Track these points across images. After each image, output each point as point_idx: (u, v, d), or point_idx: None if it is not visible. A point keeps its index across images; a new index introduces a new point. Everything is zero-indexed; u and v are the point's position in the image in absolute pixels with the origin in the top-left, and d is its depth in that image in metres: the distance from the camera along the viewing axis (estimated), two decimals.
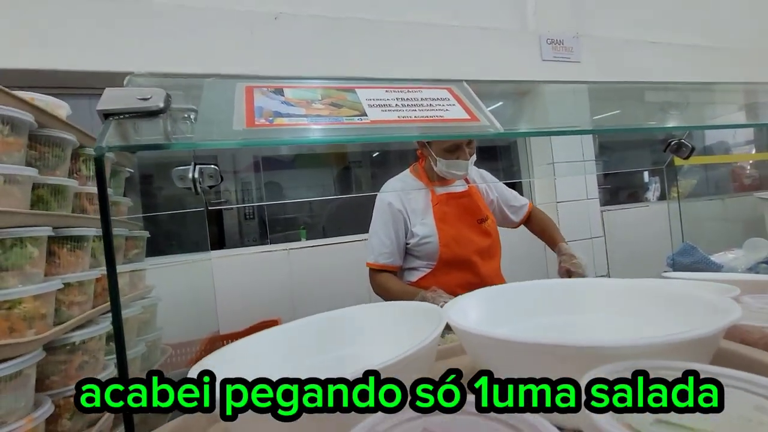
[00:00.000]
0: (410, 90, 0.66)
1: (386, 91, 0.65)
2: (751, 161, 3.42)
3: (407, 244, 1.37)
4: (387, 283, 1.33)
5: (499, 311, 0.54)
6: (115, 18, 1.70)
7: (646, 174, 3.35)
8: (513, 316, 0.53)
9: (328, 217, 3.72)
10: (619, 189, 3.09)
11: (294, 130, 0.51)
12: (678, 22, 2.79)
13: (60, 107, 0.75)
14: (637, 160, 3.19)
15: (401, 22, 2.13)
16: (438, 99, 0.65)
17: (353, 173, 4.36)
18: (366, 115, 0.56)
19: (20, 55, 1.61)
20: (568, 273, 1.31)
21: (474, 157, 1.32)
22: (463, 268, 1.35)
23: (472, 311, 0.52)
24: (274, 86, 0.60)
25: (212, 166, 1.02)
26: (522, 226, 1.62)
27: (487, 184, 1.54)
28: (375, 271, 1.36)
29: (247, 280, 1.94)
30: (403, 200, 1.36)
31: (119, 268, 0.68)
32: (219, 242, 3.89)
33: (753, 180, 3.27)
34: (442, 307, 0.87)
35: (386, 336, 0.54)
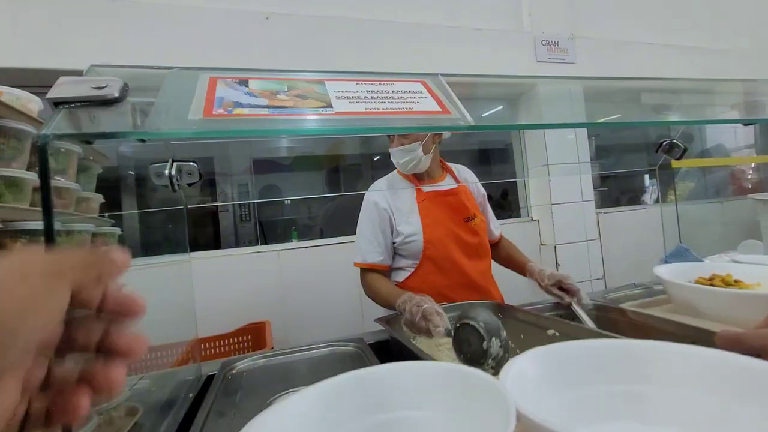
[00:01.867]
0: (382, 82, 0.65)
1: (357, 83, 0.63)
2: (753, 164, 3.39)
3: (394, 243, 1.36)
4: (375, 283, 1.31)
5: (552, 377, 0.47)
6: (104, 15, 1.70)
7: (646, 177, 3.32)
8: (575, 382, 0.46)
9: (322, 218, 3.71)
10: (616, 192, 3.07)
11: (252, 120, 0.49)
12: (674, 23, 2.77)
13: (31, 101, 0.74)
14: (634, 163, 3.17)
15: (396, 23, 2.13)
16: (410, 92, 0.63)
17: (352, 175, 4.35)
18: (331, 107, 0.55)
19: (12, 54, 1.61)
20: (559, 287, 1.25)
21: (417, 150, 1.29)
22: (448, 268, 1.34)
23: (530, 381, 0.44)
24: (239, 77, 0.58)
25: (191, 163, 1.00)
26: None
27: (477, 185, 1.52)
28: (364, 271, 1.35)
29: (237, 281, 1.92)
30: (388, 199, 1.36)
31: None
32: (215, 243, 3.88)
33: (752, 183, 3.25)
34: (420, 316, 0.84)
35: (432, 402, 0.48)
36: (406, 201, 1.35)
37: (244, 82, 0.58)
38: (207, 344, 1.71)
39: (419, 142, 1.27)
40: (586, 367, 0.47)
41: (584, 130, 2.47)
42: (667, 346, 0.47)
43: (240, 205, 4.03)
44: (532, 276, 1.33)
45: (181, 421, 0.77)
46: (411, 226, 1.31)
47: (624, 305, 1.17)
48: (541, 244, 2.48)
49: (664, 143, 1.45)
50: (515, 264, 1.47)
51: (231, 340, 1.76)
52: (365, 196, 1.41)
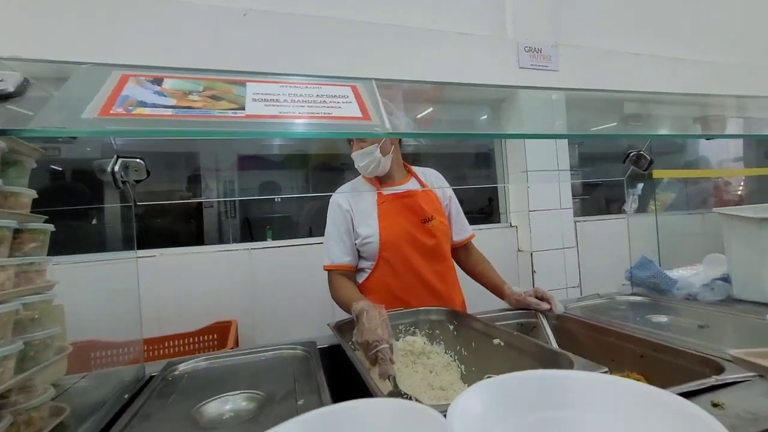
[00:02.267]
0: (309, 86, 0.64)
1: (282, 86, 0.62)
2: (736, 178, 3.41)
3: (355, 244, 1.36)
4: (338, 285, 1.32)
5: (499, 409, 0.51)
6: (77, 9, 1.67)
7: (625, 186, 3.32)
8: (513, 411, 0.51)
9: (305, 217, 3.69)
10: (599, 200, 3.07)
11: (151, 121, 0.48)
12: (660, 34, 2.78)
13: None
14: (617, 172, 3.17)
15: (377, 24, 2.11)
16: (335, 96, 0.62)
17: (342, 175, 4.32)
18: (243, 110, 0.54)
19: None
20: (536, 296, 1.26)
21: (375, 152, 1.30)
22: (403, 270, 1.34)
23: (475, 415, 0.48)
24: (154, 75, 0.57)
25: (138, 159, 0.99)
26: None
27: (442, 189, 1.52)
28: (331, 274, 1.36)
29: (207, 279, 1.91)
30: (350, 201, 1.37)
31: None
32: (198, 240, 3.85)
33: (734, 196, 3.26)
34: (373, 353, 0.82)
35: None
36: (367, 203, 1.36)
37: (158, 81, 0.57)
38: (170, 342, 1.69)
39: (376, 145, 1.27)
40: (524, 396, 0.52)
41: (564, 140, 2.47)
42: (590, 376, 0.54)
43: (225, 202, 4.00)
44: (510, 299, 1.33)
45: (108, 422, 0.75)
46: (369, 227, 1.32)
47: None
48: (519, 251, 2.47)
49: (631, 154, 1.45)
50: (491, 285, 1.46)
51: (196, 338, 1.74)
52: (330, 200, 1.42)
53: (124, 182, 0.97)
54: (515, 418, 0.50)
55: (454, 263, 1.52)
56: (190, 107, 0.52)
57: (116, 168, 0.92)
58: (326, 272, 1.37)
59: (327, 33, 2.05)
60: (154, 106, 0.51)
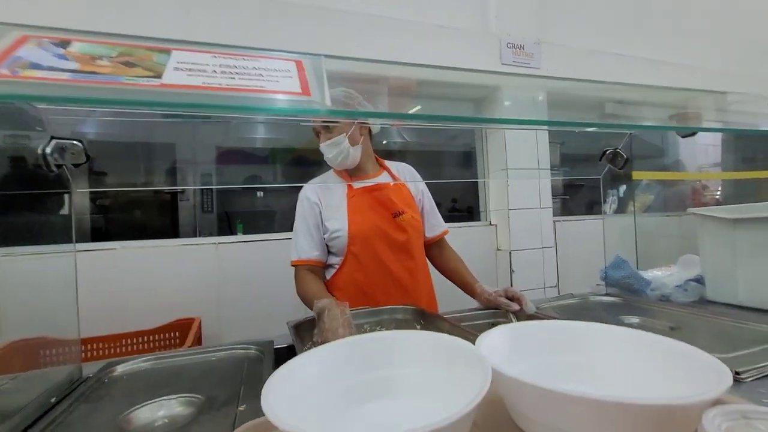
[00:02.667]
0: (246, 58, 0.57)
1: (214, 56, 0.55)
2: (713, 181, 3.45)
3: (324, 239, 1.31)
4: (302, 279, 1.26)
5: (517, 348, 0.59)
6: None
7: (602, 185, 3.33)
8: (528, 353, 0.59)
9: (287, 212, 3.60)
10: (577, 201, 3.06)
11: (40, 85, 0.41)
12: (646, 36, 2.78)
13: None
14: (596, 173, 3.17)
15: (353, 13, 2.05)
16: (275, 70, 0.56)
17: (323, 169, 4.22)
18: (159, 78, 0.47)
19: None
20: (506, 296, 1.22)
21: (343, 143, 1.25)
22: (372, 265, 1.29)
23: (497, 350, 0.54)
24: (60, 38, 0.50)
25: (75, 142, 0.90)
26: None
27: (415, 183, 1.47)
28: (298, 269, 1.29)
29: (172, 274, 1.82)
30: (320, 195, 1.32)
31: None
32: (173, 232, 3.71)
33: (710, 199, 3.30)
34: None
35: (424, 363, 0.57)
36: (336, 197, 1.31)
37: (64, 44, 0.49)
38: (128, 340, 1.60)
39: (344, 134, 1.21)
40: (538, 341, 0.61)
41: (545, 136, 2.45)
42: (596, 326, 0.62)
43: (202, 195, 3.87)
44: (480, 298, 1.29)
45: (22, 430, 0.68)
46: (337, 221, 1.27)
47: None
48: (498, 249, 2.44)
49: (608, 152, 1.42)
50: (462, 283, 1.42)
51: (156, 336, 1.65)
52: (300, 193, 1.36)
53: (59, 166, 0.89)
54: (534, 359, 0.58)
55: (428, 260, 1.47)
56: (93, 72, 0.45)
57: (48, 150, 0.83)
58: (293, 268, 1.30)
59: (300, 21, 1.97)
60: (50, 69, 0.44)
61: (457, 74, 2.28)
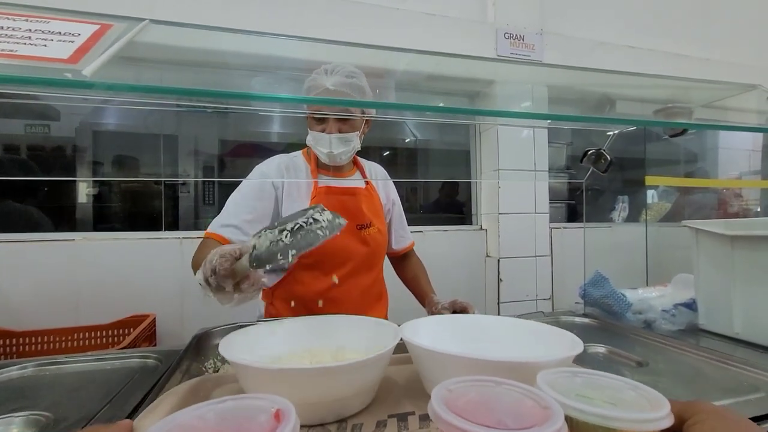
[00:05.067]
0: (29, 19, 0.46)
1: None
2: (758, 190, 3.12)
3: None
4: (203, 249, 1.00)
5: (437, 335, 0.74)
6: None
7: (584, 190, 3.07)
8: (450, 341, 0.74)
9: None
10: (579, 206, 2.82)
11: None
12: (661, 27, 2.52)
13: None
14: (605, 178, 2.92)
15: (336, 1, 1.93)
16: (58, 33, 0.45)
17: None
18: None
19: None
20: (453, 310, 1.09)
21: (354, 141, 1.12)
22: (322, 279, 1.15)
23: (420, 336, 0.67)
24: None
25: None
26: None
27: (387, 189, 1.34)
28: (209, 245, 1.01)
29: (133, 268, 1.76)
30: (284, 177, 1.14)
31: None
32: (174, 225, 3.72)
33: (741, 209, 2.98)
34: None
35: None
36: (301, 189, 1.14)
37: None
38: (80, 335, 1.56)
39: (358, 132, 1.10)
40: (457, 330, 0.77)
41: (544, 136, 2.25)
42: (495, 319, 0.80)
43: (204, 187, 3.86)
44: (430, 307, 1.18)
45: None
46: None
47: None
48: (487, 256, 2.27)
49: (590, 152, 1.24)
50: (418, 293, 1.32)
51: (108, 332, 1.61)
52: (257, 169, 1.16)
53: None
54: (456, 344, 0.73)
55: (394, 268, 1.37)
56: None
57: None
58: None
59: (284, 6, 1.87)
60: None
61: (448, 65, 2.12)
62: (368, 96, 1.12)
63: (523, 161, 2.23)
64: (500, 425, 0.33)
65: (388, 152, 3.33)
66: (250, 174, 1.16)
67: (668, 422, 0.36)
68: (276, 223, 0.69)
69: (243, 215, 1.05)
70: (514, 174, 2.23)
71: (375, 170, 1.34)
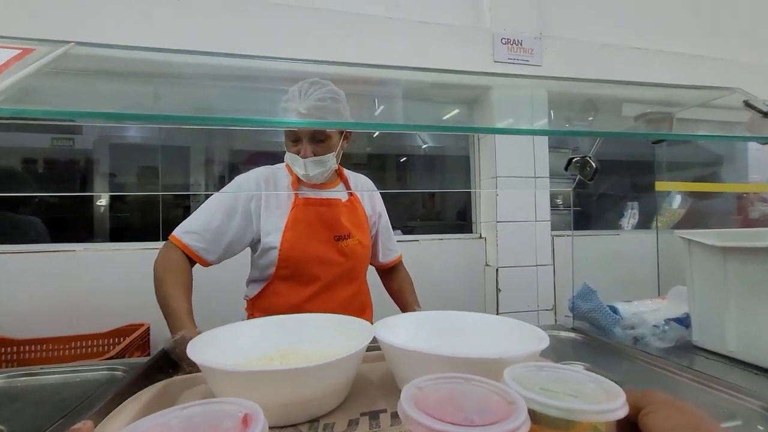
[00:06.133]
0: None
1: None
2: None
3: (254, 251, 1.17)
4: (170, 272, 1.01)
5: (411, 333, 0.75)
6: None
7: (572, 198, 2.96)
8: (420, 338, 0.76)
9: None
10: (585, 214, 2.73)
11: None
12: (672, 25, 2.43)
13: None
14: (616, 183, 2.82)
15: (323, 10, 1.95)
16: None
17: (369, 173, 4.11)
18: None
19: None
20: None
21: (330, 161, 1.12)
22: (301, 289, 1.15)
23: (393, 334, 0.68)
24: None
25: None
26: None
27: (373, 201, 1.33)
28: (170, 249, 1.04)
29: (133, 277, 1.81)
30: (261, 188, 1.14)
31: None
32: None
33: (761, 215, 2.82)
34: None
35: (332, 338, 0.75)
36: (281, 202, 1.14)
37: None
38: (76, 343, 1.61)
39: (333, 153, 1.10)
40: (432, 326, 0.80)
41: (544, 141, 2.20)
42: (472, 316, 0.82)
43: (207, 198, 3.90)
44: None
45: None
46: (273, 235, 1.11)
47: None
48: (486, 265, 2.22)
49: (575, 160, 1.19)
50: (402, 305, 1.31)
51: (105, 340, 1.65)
52: (238, 178, 1.17)
53: None
54: (429, 341, 0.75)
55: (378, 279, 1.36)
56: None
57: None
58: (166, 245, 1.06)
59: (276, 20, 1.91)
60: None
61: (443, 78, 2.10)
62: (345, 115, 1.12)
63: (523, 168, 2.18)
64: (466, 422, 0.35)
65: (388, 160, 3.32)
66: (229, 184, 1.18)
67: (623, 412, 0.38)
68: None
69: (208, 223, 1.06)
70: (514, 181, 2.17)
71: (361, 182, 1.33)
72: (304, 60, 1.65)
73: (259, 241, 1.13)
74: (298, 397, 0.54)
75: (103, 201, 3.16)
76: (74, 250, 1.76)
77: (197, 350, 0.59)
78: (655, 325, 1.10)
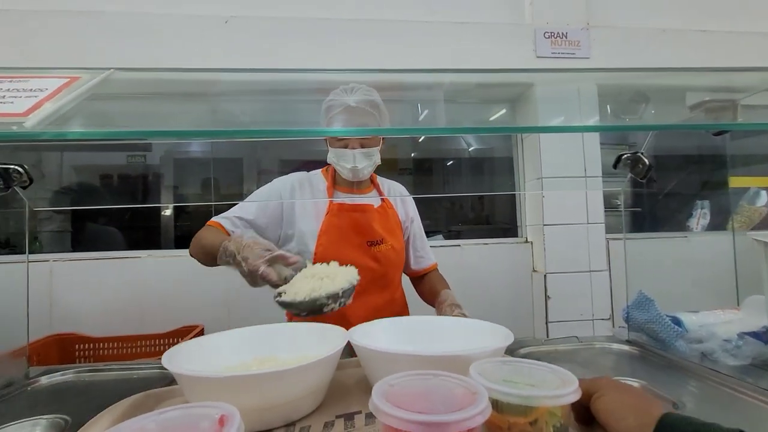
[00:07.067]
0: (13, 80, 0.54)
1: None
2: None
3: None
4: (204, 233, 1.10)
5: (386, 338, 0.79)
6: (79, 27, 1.84)
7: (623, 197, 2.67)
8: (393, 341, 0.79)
9: None
10: (647, 215, 2.49)
11: None
12: (739, 3, 2.18)
13: None
14: (685, 180, 2.55)
15: (361, 20, 1.98)
16: (29, 90, 0.52)
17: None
18: None
19: None
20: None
21: (376, 155, 1.15)
22: None
23: (369, 339, 0.70)
24: None
25: (15, 166, 1.00)
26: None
27: (406, 207, 1.32)
28: (205, 228, 1.13)
29: (186, 282, 1.94)
30: (295, 193, 1.19)
31: None
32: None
33: None
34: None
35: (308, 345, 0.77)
36: (317, 207, 1.18)
37: None
38: (140, 342, 1.75)
39: (378, 147, 1.15)
40: (411, 332, 0.84)
41: (595, 138, 2.05)
42: (444, 319, 0.94)
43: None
44: (439, 307, 1.12)
45: None
46: (305, 237, 1.15)
47: None
48: (534, 271, 2.11)
49: (625, 156, 1.09)
50: (432, 296, 1.24)
51: (165, 340, 1.78)
52: (273, 181, 1.24)
53: (8, 187, 0.98)
54: (405, 344, 0.77)
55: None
56: None
57: None
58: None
59: (307, 34, 1.97)
60: None
61: (484, 78, 2.05)
62: (384, 111, 1.14)
63: (572, 167, 2.05)
64: (433, 412, 0.37)
65: (434, 164, 3.28)
66: (268, 184, 1.23)
67: (575, 396, 0.43)
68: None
69: (242, 214, 1.14)
70: (562, 181, 2.06)
71: (393, 188, 1.33)
72: (345, 70, 1.70)
73: (290, 241, 1.17)
74: (273, 401, 0.55)
75: (167, 211, 3.43)
76: (140, 257, 1.92)
77: (174, 361, 0.60)
78: (726, 340, 0.97)
